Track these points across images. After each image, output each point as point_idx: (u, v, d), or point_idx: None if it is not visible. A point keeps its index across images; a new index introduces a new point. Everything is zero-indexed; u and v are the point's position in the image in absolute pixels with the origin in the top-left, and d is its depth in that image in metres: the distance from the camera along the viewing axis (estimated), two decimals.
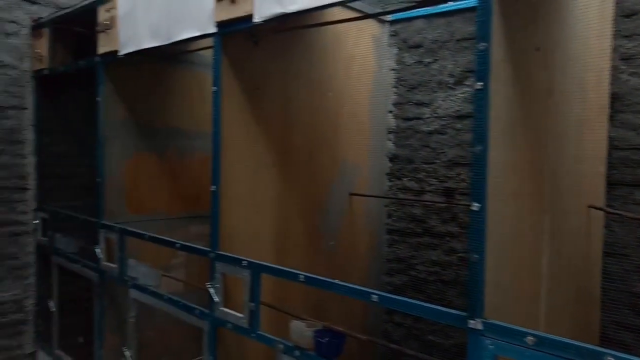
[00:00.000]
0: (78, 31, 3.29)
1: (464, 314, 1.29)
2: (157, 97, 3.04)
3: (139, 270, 2.45)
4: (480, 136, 1.26)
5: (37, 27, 3.28)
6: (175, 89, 3.13)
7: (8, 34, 3.26)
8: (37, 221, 3.38)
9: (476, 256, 1.27)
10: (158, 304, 2.32)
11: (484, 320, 1.25)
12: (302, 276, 1.68)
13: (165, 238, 2.30)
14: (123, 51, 2.51)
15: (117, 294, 2.78)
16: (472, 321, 1.27)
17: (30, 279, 3.42)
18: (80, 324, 3.23)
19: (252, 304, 1.83)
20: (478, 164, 1.27)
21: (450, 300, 2.84)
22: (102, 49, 2.67)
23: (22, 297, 3.38)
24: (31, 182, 3.41)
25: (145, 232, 2.42)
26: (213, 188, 2.03)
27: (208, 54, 3.13)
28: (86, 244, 3.03)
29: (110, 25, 2.59)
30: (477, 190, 1.26)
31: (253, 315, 1.83)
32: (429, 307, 1.38)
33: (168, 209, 3.12)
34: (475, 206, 1.27)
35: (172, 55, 3.01)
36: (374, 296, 1.49)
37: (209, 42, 2.71)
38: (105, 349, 2.75)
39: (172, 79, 3.12)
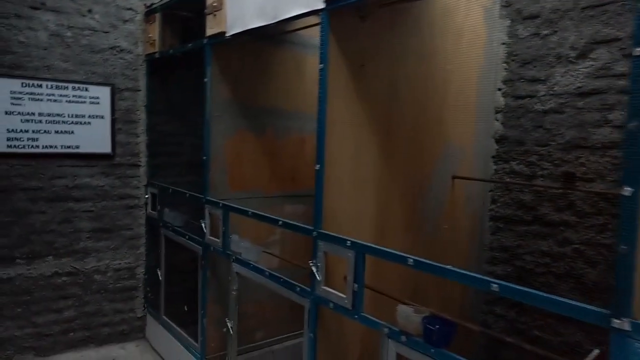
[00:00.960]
0: (185, 16, 3.44)
1: (606, 311, 1.15)
2: (258, 77, 3.10)
3: (242, 246, 2.53)
4: (637, 110, 1.09)
5: (149, 12, 3.48)
6: (275, 69, 3.16)
7: (125, 21, 3.49)
8: (148, 196, 3.63)
9: (625, 247, 1.11)
10: (259, 279, 2.38)
11: (633, 320, 1.10)
12: (411, 260, 1.61)
13: (268, 215, 2.34)
14: (230, 32, 2.56)
15: (219, 266, 2.91)
16: (617, 320, 1.12)
17: (141, 249, 3.70)
18: (185, 293, 3.45)
19: (356, 285, 1.80)
20: (632, 142, 1.10)
21: (561, 295, 2.61)
22: (210, 30, 2.75)
23: (134, 265, 3.68)
24: (143, 159, 3.66)
25: (248, 209, 2.48)
26: (317, 167, 2.01)
27: (307, 34, 3.14)
28: (191, 218, 3.21)
29: (218, 7, 2.65)
30: (631, 173, 1.10)
31: (356, 297, 1.80)
32: (562, 301, 1.25)
33: (265, 187, 3.19)
34: (627, 191, 1.10)
35: (273, 36, 3.04)
36: (494, 285, 1.38)
37: (309, 20, 2.70)
38: (207, 318, 2.90)
39: (272, 59, 3.15)
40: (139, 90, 3.61)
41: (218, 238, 2.72)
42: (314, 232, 2.01)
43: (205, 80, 2.85)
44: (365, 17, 2.12)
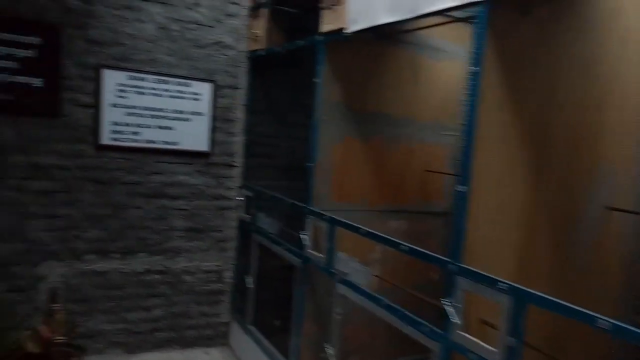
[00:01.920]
0: (291, 12, 3.25)
1: None
2: (369, 80, 2.83)
3: (350, 266, 2.27)
4: None
5: (256, 7, 3.32)
6: (388, 72, 2.88)
7: (230, 15, 3.36)
8: (242, 198, 3.49)
9: None
10: (372, 307, 2.11)
11: None
12: (608, 323, 1.24)
13: (387, 237, 2.06)
14: (352, 28, 2.31)
15: (318, 282, 2.68)
16: None
17: (230, 252, 3.57)
18: (275, 303, 3.26)
19: (512, 340, 1.47)
20: None
21: None
22: (326, 26, 2.51)
23: (222, 269, 3.55)
24: (238, 160, 3.53)
25: (360, 226, 2.21)
26: (461, 188, 1.70)
27: (425, 33, 2.83)
28: (288, 227, 3.01)
29: (337, 1, 2.41)
30: None
31: (511, 354, 1.47)
32: None
33: (369, 200, 2.92)
34: None
35: (392, 34, 2.76)
36: None
37: (434, 20, 2.39)
38: (302, 337, 2.68)
39: (387, 60, 2.87)
40: (239, 88, 3.47)
41: (320, 253, 2.48)
42: (451, 266, 1.70)
43: (316, 80, 2.63)
44: (527, 12, 1.77)
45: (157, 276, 3.34)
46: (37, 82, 2.85)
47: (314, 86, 2.64)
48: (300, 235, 2.63)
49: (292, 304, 2.77)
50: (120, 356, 3.24)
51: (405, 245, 1.94)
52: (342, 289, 2.31)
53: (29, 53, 2.82)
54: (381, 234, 2.09)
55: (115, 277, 3.21)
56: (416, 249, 1.89)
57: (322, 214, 2.49)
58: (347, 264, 2.29)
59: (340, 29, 2.40)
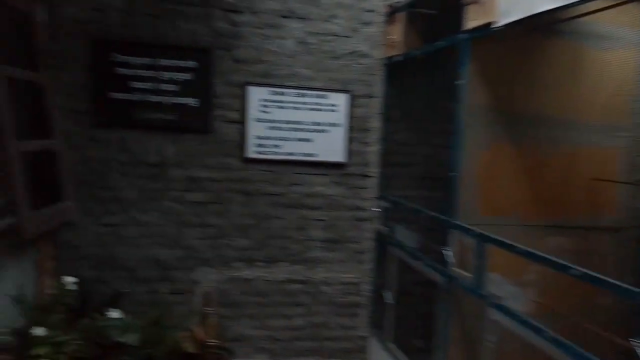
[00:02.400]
0: (429, 13, 3.08)
1: None
2: (521, 78, 2.54)
3: (506, 290, 2.01)
4: None
5: (392, 13, 3.23)
6: (543, 67, 2.55)
7: (365, 24, 3.31)
8: (379, 209, 3.40)
9: None
10: (529, 336, 1.83)
11: None
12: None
13: (552, 257, 1.77)
14: (503, 21, 2.07)
15: (464, 303, 2.45)
16: None
17: (366, 264, 3.49)
18: (414, 321, 3.10)
19: None
20: None
21: None
22: (471, 23, 2.31)
23: (360, 281, 3.48)
24: (373, 170, 3.45)
25: (515, 244, 1.95)
26: None
27: (589, 20, 2.43)
28: (428, 240, 2.83)
29: None
30: None
31: None
32: None
33: (522, 213, 2.60)
34: None
35: (549, 24, 2.43)
36: None
37: (602, 3, 2.03)
38: None
39: (542, 54, 2.54)
40: (374, 97, 3.40)
41: (467, 272, 2.26)
42: None
43: (460, 82, 2.42)
44: None
45: (297, 285, 3.40)
46: (193, 102, 3.11)
47: (456, 89, 2.44)
48: (443, 251, 2.44)
49: (435, 324, 2.58)
50: None
51: (577, 269, 1.64)
52: (494, 314, 2.06)
53: (186, 76, 3.10)
54: (544, 254, 1.81)
55: (260, 284, 3.36)
56: (593, 275, 1.58)
57: (469, 228, 2.27)
58: (501, 287, 2.04)
59: (488, 24, 2.18)
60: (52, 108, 2.92)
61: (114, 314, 2.57)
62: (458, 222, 2.37)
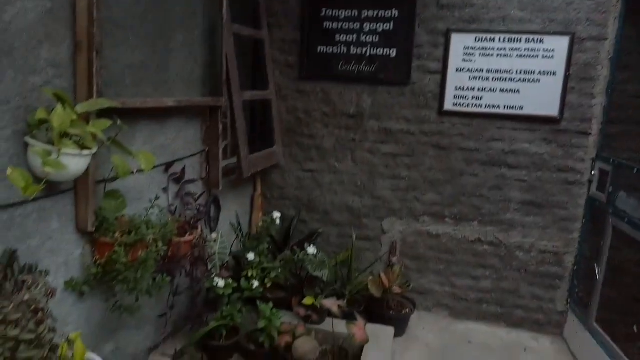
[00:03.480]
0: None
1: None
2: None
3: None
4: None
5: None
6: None
7: None
8: (594, 172, 2.93)
9: None
10: None
11: None
12: None
13: None
14: None
15: None
16: None
17: (574, 234, 3.08)
18: (628, 303, 2.66)
19: None
20: None
21: None
22: None
23: (563, 252, 3.12)
24: (594, 127, 2.95)
25: None
26: None
27: None
28: None
29: None
30: None
31: None
32: None
33: None
34: None
35: None
36: None
37: None
38: None
39: None
40: (605, 39, 2.84)
41: None
42: None
43: None
44: None
45: (488, 247, 3.22)
46: (392, 52, 3.06)
47: None
48: None
49: None
50: (445, 319, 3.33)
51: None
52: None
53: (388, 26, 3.04)
54: None
55: (447, 241, 3.27)
56: None
57: None
58: None
59: None
60: (268, 62, 3.20)
61: (310, 250, 2.80)
62: None
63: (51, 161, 1.37)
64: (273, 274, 2.76)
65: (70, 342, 1.59)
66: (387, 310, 3.01)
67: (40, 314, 1.39)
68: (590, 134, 2.95)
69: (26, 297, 1.34)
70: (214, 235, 2.55)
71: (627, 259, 2.72)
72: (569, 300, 3.15)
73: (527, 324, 3.23)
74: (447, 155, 3.16)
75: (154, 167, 1.84)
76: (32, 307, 1.35)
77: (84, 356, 1.71)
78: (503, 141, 3.08)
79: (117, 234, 1.75)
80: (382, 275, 3.02)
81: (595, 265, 2.84)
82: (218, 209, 2.73)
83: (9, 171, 1.28)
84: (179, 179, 2.33)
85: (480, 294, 3.27)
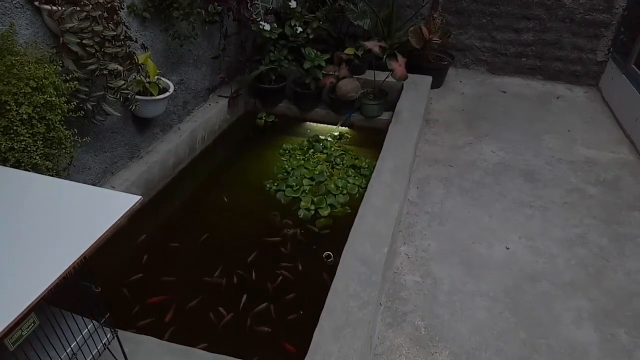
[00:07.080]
0: None
1: None
2: None
3: None
4: None
5: None
6: None
7: None
8: None
9: None
10: None
11: None
12: None
13: None
14: None
15: None
16: None
17: None
18: None
19: None
20: None
21: None
22: None
23: None
24: None
25: None
26: None
27: None
28: None
29: None
30: None
31: None
32: None
33: None
34: None
35: None
36: None
37: None
38: None
39: None
40: None
41: None
42: None
43: None
44: None
45: None
46: None
47: None
48: None
49: None
50: (483, 74, 3.41)
51: None
52: None
53: None
54: None
55: None
56: None
57: None
58: None
59: None
60: None
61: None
62: None
63: None
64: (315, 24, 2.80)
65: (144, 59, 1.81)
66: (426, 62, 3.10)
67: (116, 17, 1.56)
68: None
69: None
70: None
71: None
72: (610, 50, 3.13)
73: (563, 75, 3.29)
74: None
75: None
76: (109, 4, 1.50)
77: (156, 71, 1.95)
78: None
79: None
80: (424, 27, 3.01)
81: None
82: None
83: None
84: None
85: (521, 47, 3.27)
